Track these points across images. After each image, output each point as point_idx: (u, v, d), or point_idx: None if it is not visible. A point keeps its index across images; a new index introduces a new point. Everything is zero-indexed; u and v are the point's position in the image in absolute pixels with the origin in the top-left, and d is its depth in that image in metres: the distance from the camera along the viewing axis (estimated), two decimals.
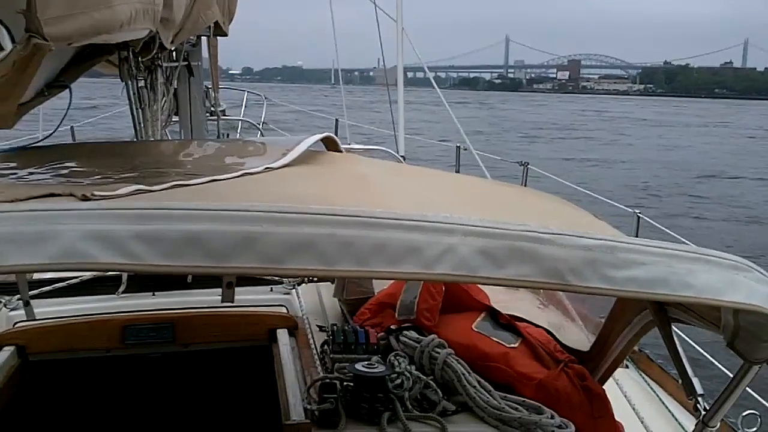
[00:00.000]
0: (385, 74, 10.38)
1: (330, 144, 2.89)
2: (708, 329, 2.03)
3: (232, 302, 3.33)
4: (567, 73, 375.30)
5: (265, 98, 10.89)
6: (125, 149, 2.88)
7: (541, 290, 3.91)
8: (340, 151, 2.92)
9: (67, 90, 2.78)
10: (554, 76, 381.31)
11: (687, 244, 2.56)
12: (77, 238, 1.27)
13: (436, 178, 2.77)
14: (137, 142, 3.58)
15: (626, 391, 3.33)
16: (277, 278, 3.92)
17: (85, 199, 1.48)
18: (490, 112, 77.45)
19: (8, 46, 1.55)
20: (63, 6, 1.72)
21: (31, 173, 2.19)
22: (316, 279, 4.04)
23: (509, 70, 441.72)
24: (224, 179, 1.94)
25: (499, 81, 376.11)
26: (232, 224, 1.33)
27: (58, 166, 2.30)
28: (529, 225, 1.49)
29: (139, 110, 3.83)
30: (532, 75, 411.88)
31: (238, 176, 2.01)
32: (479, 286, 3.34)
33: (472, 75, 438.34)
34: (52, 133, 3.65)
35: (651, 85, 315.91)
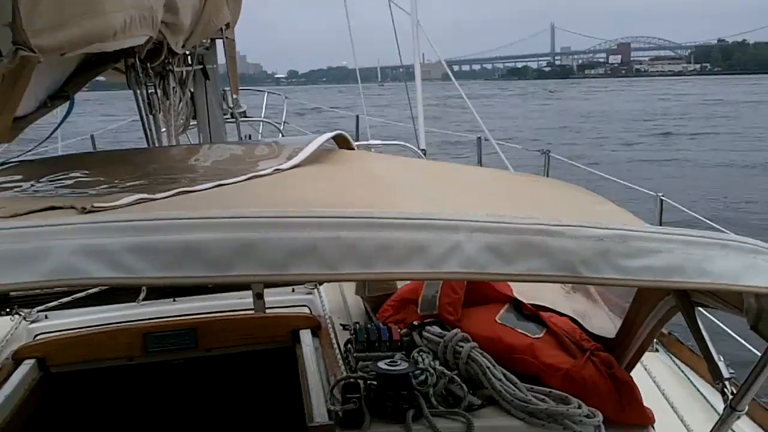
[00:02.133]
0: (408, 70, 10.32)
1: (342, 142, 2.87)
2: (731, 313, 1.98)
3: (264, 313, 3.32)
4: (619, 56, 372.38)
5: (285, 98, 10.89)
6: (136, 157, 2.88)
7: None
8: (353, 149, 2.89)
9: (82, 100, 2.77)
10: (604, 60, 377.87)
11: (713, 229, 2.50)
12: (70, 254, 1.26)
13: (451, 173, 2.74)
14: (149, 149, 3.58)
15: (655, 376, 3.28)
16: None
17: (85, 211, 1.47)
18: (559, 104, 73.64)
19: None
20: (50, 17, 1.70)
21: (35, 186, 2.19)
22: None
23: (556, 58, 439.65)
24: (231, 183, 1.92)
25: (549, 69, 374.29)
26: (230, 232, 1.30)
27: (64, 177, 2.30)
28: (537, 218, 1.46)
29: (149, 117, 3.83)
30: (580, 61, 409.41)
31: (245, 180, 1.99)
32: None
33: (519, 65, 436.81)
34: (42, 142, 3.60)
35: (707, 64, 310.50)
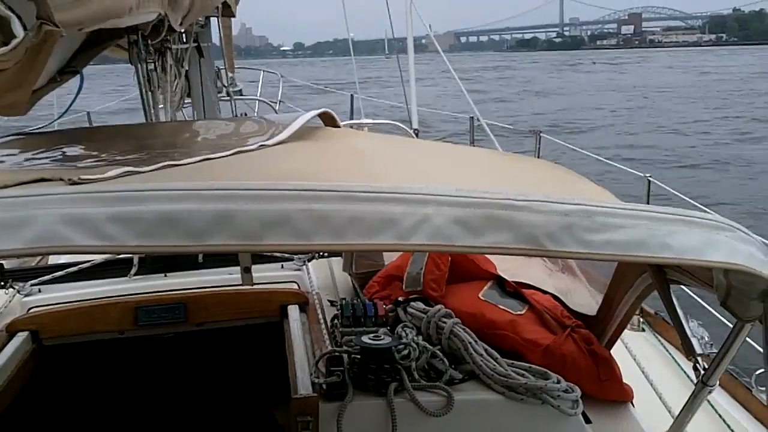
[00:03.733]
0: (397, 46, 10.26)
1: (327, 120, 2.90)
2: (703, 289, 2.03)
3: (252, 286, 3.37)
4: (631, 27, 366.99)
5: (281, 76, 10.87)
6: (129, 132, 2.91)
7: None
8: (338, 126, 2.93)
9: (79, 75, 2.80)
10: (615, 31, 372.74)
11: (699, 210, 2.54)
12: (53, 222, 1.29)
13: (437, 151, 2.77)
14: (143, 124, 3.62)
15: (637, 354, 3.34)
16: (287, 255, 3.96)
17: (71, 183, 1.51)
18: (588, 77, 69.40)
19: (20, 33, 1.57)
20: None
21: (28, 158, 2.23)
22: (325, 254, 4.07)
23: (565, 29, 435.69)
24: (217, 158, 1.95)
25: (559, 40, 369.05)
26: (207, 203, 1.34)
27: (56, 150, 2.34)
28: (506, 192, 1.50)
29: (149, 93, 3.86)
30: (588, 32, 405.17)
31: (231, 154, 2.02)
32: (486, 255, 3.36)
33: (527, 36, 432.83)
34: (61, 116, 3.64)
35: (722, 35, 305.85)
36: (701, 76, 66.52)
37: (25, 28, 1.56)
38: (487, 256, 3.34)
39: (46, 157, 2.24)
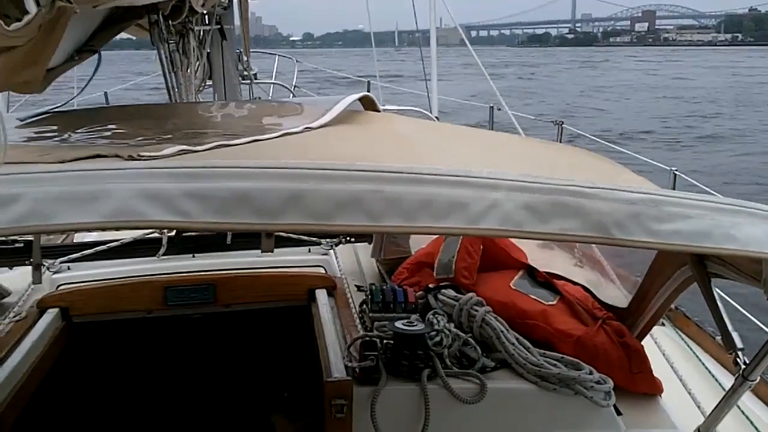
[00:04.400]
0: (422, 37, 10.25)
1: (367, 104, 2.89)
2: (748, 284, 2.02)
3: (272, 252, 3.36)
4: (645, 24, 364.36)
5: (297, 61, 10.85)
6: (162, 111, 2.90)
7: (577, 248, 3.91)
8: (378, 111, 2.92)
9: (97, 55, 2.79)
10: (628, 28, 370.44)
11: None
12: (129, 197, 1.30)
13: (474, 136, 2.77)
14: (173, 104, 3.60)
15: (664, 348, 3.33)
16: (315, 239, 3.96)
17: (131, 159, 1.51)
18: (623, 75, 63.55)
19: (33, 9, 1.57)
20: None
21: (74, 135, 2.22)
22: (353, 239, 4.07)
23: (577, 25, 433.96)
24: (265, 139, 1.95)
25: (572, 36, 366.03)
26: (280, 181, 1.34)
27: (100, 127, 2.34)
28: (573, 179, 1.49)
29: (172, 74, 3.85)
30: (601, 28, 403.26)
31: (278, 136, 2.02)
32: (516, 244, 3.35)
33: (539, 31, 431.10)
34: (79, 93, 3.62)
35: (738, 34, 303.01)
36: (736, 77, 63.30)
37: (38, 4, 1.56)
38: (517, 244, 3.34)
39: (92, 135, 2.24)
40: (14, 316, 3.13)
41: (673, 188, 4.77)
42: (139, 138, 2.08)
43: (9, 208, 1.28)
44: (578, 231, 1.47)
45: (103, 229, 1.94)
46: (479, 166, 1.53)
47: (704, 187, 4.76)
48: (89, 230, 1.59)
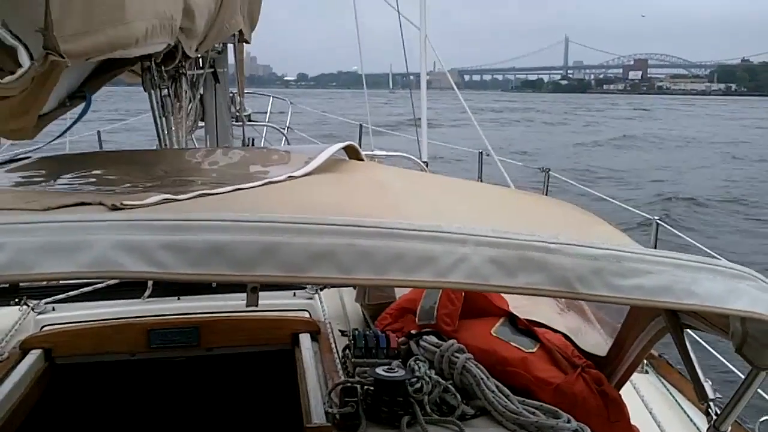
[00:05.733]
0: (416, 78, 10.37)
1: (351, 152, 2.95)
2: (718, 335, 2.06)
3: (257, 306, 3.40)
4: (639, 72, 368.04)
5: (290, 103, 10.97)
6: (150, 157, 2.96)
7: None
8: (362, 159, 2.98)
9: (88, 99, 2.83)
10: (621, 76, 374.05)
11: (707, 255, 2.59)
12: (108, 248, 1.34)
13: (454, 187, 2.82)
14: (161, 150, 3.65)
15: (644, 395, 3.36)
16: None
17: (114, 208, 1.55)
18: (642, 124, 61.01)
19: (26, 63, 1.62)
20: (79, 24, 1.79)
21: (60, 181, 2.27)
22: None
23: (569, 71, 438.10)
24: (248, 188, 2.00)
25: (565, 82, 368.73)
26: (255, 234, 1.38)
27: (86, 174, 2.38)
28: (538, 235, 1.54)
29: (162, 119, 3.90)
30: (593, 76, 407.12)
31: (261, 185, 2.07)
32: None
33: (531, 77, 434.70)
34: (60, 135, 3.64)
35: (731, 84, 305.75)
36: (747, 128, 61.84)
37: (31, 58, 1.62)
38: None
39: (79, 181, 2.28)
40: None
41: (655, 236, 4.84)
42: (125, 185, 2.12)
43: None
44: (543, 285, 1.51)
45: (82, 278, 1.98)
46: (453, 217, 1.58)
47: (685, 237, 4.83)
48: (68, 279, 1.62)
